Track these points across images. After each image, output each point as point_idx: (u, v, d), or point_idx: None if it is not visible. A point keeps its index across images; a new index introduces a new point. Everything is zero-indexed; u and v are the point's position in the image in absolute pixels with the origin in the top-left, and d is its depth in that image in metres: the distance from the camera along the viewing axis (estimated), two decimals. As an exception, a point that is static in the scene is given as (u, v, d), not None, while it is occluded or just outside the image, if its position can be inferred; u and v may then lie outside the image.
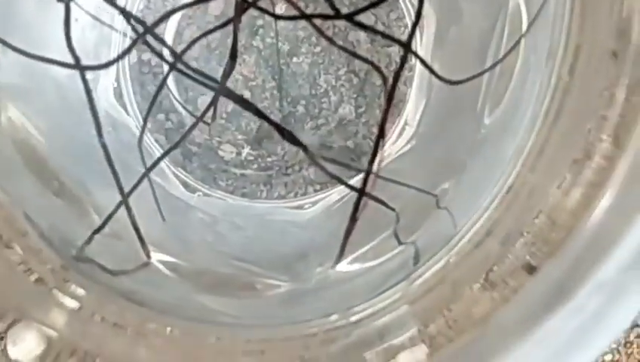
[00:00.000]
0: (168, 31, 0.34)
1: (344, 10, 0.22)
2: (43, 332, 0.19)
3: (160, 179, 0.31)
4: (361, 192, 0.20)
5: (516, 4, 0.21)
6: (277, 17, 0.23)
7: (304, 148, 0.23)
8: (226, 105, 0.35)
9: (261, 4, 0.29)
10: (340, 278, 0.23)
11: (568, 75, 0.18)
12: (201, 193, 0.33)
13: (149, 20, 0.25)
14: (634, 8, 0.15)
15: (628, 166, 0.16)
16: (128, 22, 0.24)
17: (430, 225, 0.22)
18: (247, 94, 0.35)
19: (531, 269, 0.18)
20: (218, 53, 0.34)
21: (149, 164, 0.28)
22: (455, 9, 0.28)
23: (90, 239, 0.22)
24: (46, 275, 0.21)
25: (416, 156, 0.28)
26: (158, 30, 0.35)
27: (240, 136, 0.35)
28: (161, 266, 0.23)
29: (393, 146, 0.30)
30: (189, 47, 0.26)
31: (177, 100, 0.32)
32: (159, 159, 0.26)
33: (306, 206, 0.32)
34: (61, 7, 0.22)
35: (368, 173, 0.20)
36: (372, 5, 0.21)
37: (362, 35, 0.34)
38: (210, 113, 0.25)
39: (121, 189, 0.23)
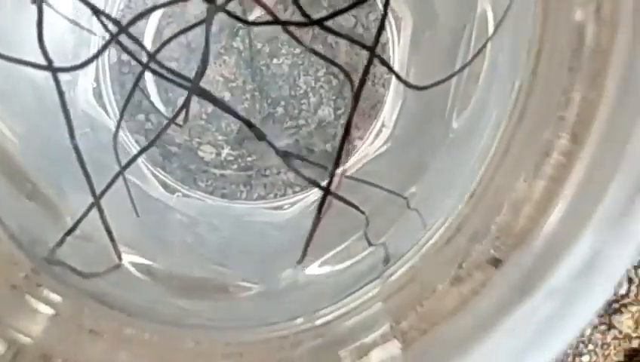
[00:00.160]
0: (148, 31, 0.34)
1: (324, 12, 0.23)
2: (10, 337, 0.19)
3: (138, 180, 0.31)
4: (326, 191, 0.20)
5: (483, 8, 0.21)
6: (248, 23, 0.23)
7: (276, 150, 0.23)
8: (206, 106, 0.35)
9: (237, 7, 0.29)
10: (310, 281, 0.23)
11: (531, 76, 0.18)
12: (180, 194, 0.33)
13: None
14: (588, 11, 0.15)
15: (586, 161, 0.16)
16: (100, 21, 0.24)
17: (400, 225, 0.22)
18: (227, 96, 0.35)
19: (496, 262, 0.18)
20: (199, 53, 0.34)
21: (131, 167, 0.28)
22: (430, 12, 0.28)
23: (61, 241, 0.22)
24: (19, 280, 0.21)
25: (392, 158, 0.28)
26: (138, 30, 0.35)
27: (220, 137, 0.35)
28: (132, 269, 0.23)
29: (370, 148, 0.30)
30: (162, 46, 0.26)
31: (149, 100, 0.32)
32: (134, 158, 0.26)
33: (285, 207, 0.33)
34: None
35: (333, 172, 0.20)
36: (341, 12, 0.22)
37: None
38: (185, 114, 0.25)
39: (92, 190, 0.23)
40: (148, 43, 0.34)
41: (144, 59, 0.25)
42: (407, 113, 0.28)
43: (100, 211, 0.23)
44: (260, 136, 0.22)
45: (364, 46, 0.20)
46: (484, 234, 0.19)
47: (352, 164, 0.30)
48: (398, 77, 0.21)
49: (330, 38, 0.35)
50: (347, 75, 0.31)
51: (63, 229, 0.23)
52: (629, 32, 0.16)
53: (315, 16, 0.21)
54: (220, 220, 0.30)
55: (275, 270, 0.24)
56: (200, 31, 0.35)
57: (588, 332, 0.41)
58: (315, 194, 0.32)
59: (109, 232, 0.23)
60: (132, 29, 0.24)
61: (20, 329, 0.19)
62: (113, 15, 0.34)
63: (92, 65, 0.33)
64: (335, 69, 0.35)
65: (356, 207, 0.23)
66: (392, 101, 0.30)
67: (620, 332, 0.41)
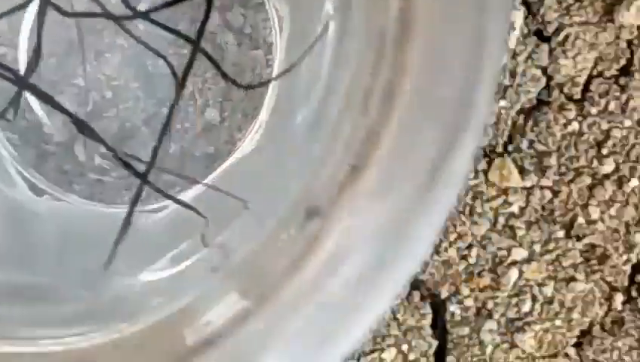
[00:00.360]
0: (25, 25, 0.33)
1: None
2: None
3: (1, 183, 0.29)
4: (143, 180, 0.19)
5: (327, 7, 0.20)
6: (70, 15, 0.22)
7: (107, 146, 0.21)
8: (86, 106, 0.33)
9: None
10: (146, 286, 0.22)
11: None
12: (49, 197, 0.31)
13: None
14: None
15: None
16: None
17: (237, 224, 0.21)
18: (109, 94, 0.33)
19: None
20: (79, 50, 0.33)
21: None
22: (306, 12, 0.27)
23: None
24: None
25: (257, 159, 0.27)
26: (16, 24, 0.33)
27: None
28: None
29: (245, 148, 0.29)
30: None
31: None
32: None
33: (162, 209, 0.31)
34: None
35: (151, 164, 0.19)
36: (168, 4, 0.20)
37: (231, 37, 0.33)
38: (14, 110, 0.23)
39: None
40: (24, 37, 0.32)
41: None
42: (275, 112, 0.27)
43: None
44: (90, 133, 0.21)
45: (188, 40, 0.19)
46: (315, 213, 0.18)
47: (228, 164, 0.29)
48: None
49: (219, 39, 0.34)
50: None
51: None
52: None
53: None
54: (87, 225, 0.29)
55: (111, 277, 0.23)
56: (85, 26, 0.34)
57: (489, 350, 0.40)
58: (193, 194, 0.31)
59: None
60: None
61: None
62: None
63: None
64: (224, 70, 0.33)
65: (197, 211, 0.21)
66: (267, 102, 0.29)
67: (523, 351, 0.40)
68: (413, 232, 0.15)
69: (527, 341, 0.40)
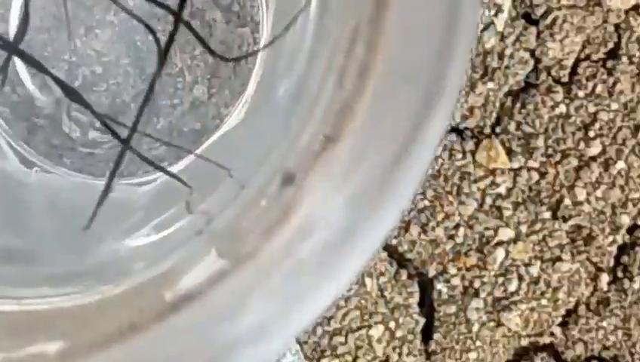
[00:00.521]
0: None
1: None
2: None
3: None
4: (126, 144, 0.19)
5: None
6: None
7: (96, 114, 0.22)
8: (75, 79, 0.34)
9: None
10: (132, 252, 0.22)
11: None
12: (39, 169, 0.32)
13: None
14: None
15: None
16: None
17: (220, 191, 0.22)
18: (99, 70, 0.34)
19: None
20: (71, 24, 0.33)
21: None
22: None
23: None
24: None
25: (243, 132, 0.27)
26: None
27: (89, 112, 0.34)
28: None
29: (231, 123, 0.29)
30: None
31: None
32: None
33: (150, 182, 0.32)
34: None
35: (134, 128, 0.19)
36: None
37: (218, 14, 0.34)
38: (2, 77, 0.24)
39: None
40: (15, 12, 0.33)
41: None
42: (260, 86, 0.27)
43: None
44: (77, 98, 0.21)
45: (170, 11, 0.19)
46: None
47: (214, 138, 0.29)
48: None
49: (208, 15, 0.34)
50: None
51: None
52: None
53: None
54: (74, 196, 0.29)
55: (100, 243, 0.23)
56: (75, 2, 0.34)
57: (476, 328, 0.40)
58: (183, 164, 0.31)
59: None
60: None
61: None
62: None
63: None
64: (212, 47, 0.34)
65: (182, 181, 0.22)
66: (254, 77, 0.29)
67: (509, 329, 0.41)
68: (383, 201, 0.16)
69: (513, 319, 0.40)
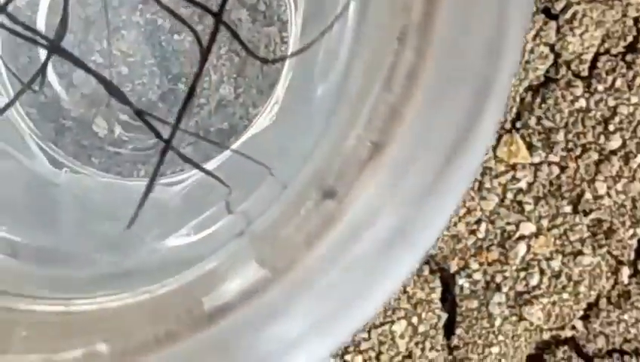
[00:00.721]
0: (43, 3, 0.33)
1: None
2: None
3: (23, 155, 0.30)
4: (168, 143, 0.20)
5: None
6: None
7: (132, 107, 0.22)
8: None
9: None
10: (171, 252, 0.23)
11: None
12: (68, 170, 0.32)
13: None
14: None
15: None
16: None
17: (261, 192, 0.22)
18: (125, 70, 0.34)
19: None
20: (96, 27, 0.34)
21: (13, 138, 0.27)
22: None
23: None
24: None
25: (275, 132, 0.27)
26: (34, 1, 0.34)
27: (118, 113, 0.34)
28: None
29: (261, 123, 0.29)
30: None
31: (8, 68, 0.30)
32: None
33: (179, 182, 0.32)
34: None
35: (176, 126, 0.20)
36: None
37: (244, 13, 0.34)
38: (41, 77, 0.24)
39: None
40: (43, 12, 0.33)
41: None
42: (292, 87, 0.27)
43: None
44: (119, 96, 0.21)
45: (210, 12, 0.20)
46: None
47: (244, 138, 0.29)
48: (247, 49, 0.20)
49: (234, 15, 0.34)
50: (246, 48, 0.30)
51: None
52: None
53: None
54: (104, 196, 0.29)
55: (139, 244, 0.23)
56: (99, 5, 0.34)
57: (498, 322, 0.40)
58: (215, 163, 0.31)
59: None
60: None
61: None
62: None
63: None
64: (237, 47, 0.34)
65: (215, 177, 0.22)
66: (284, 78, 0.29)
67: (531, 323, 0.41)
68: (431, 206, 0.16)
69: (534, 313, 0.40)
